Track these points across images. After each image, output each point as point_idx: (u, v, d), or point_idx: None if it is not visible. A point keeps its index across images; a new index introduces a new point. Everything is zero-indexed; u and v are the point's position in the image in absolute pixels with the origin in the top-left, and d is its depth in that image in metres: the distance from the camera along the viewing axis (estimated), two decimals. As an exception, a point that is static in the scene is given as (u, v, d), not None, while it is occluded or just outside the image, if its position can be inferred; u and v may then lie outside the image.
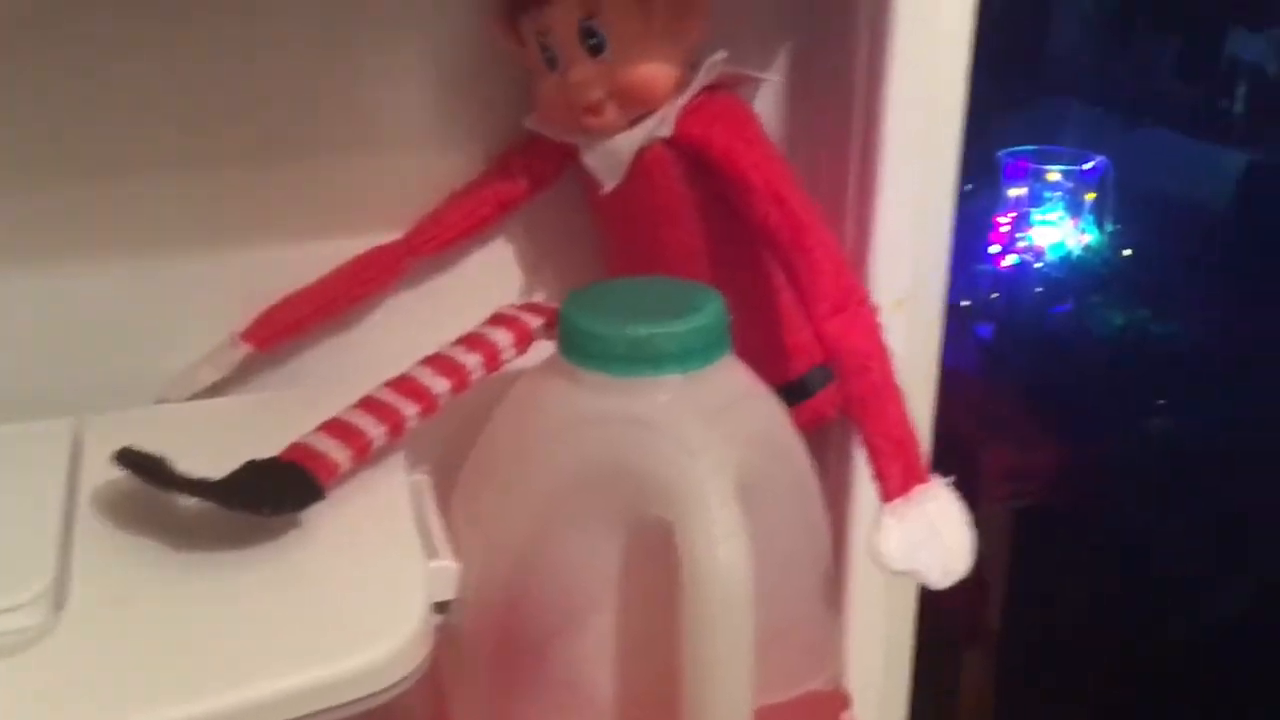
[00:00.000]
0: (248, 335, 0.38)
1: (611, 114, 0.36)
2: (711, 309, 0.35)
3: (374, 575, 0.34)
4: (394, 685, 0.32)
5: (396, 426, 0.35)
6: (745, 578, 0.32)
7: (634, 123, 0.37)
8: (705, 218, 0.38)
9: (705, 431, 0.34)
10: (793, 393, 0.41)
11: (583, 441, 0.34)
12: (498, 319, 0.37)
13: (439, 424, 0.41)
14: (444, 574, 0.36)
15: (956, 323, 1.63)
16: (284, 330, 0.38)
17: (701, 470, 0.33)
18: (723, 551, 0.32)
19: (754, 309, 0.40)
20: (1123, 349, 1.35)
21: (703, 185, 0.37)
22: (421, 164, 0.40)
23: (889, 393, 0.36)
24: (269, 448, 0.34)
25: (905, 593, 0.45)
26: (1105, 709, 1.36)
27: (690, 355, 0.34)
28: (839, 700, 0.41)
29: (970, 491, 1.31)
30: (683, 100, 0.36)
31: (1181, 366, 1.31)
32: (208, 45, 0.37)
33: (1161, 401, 1.31)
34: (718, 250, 0.39)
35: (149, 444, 0.33)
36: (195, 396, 0.38)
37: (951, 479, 0.37)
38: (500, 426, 0.37)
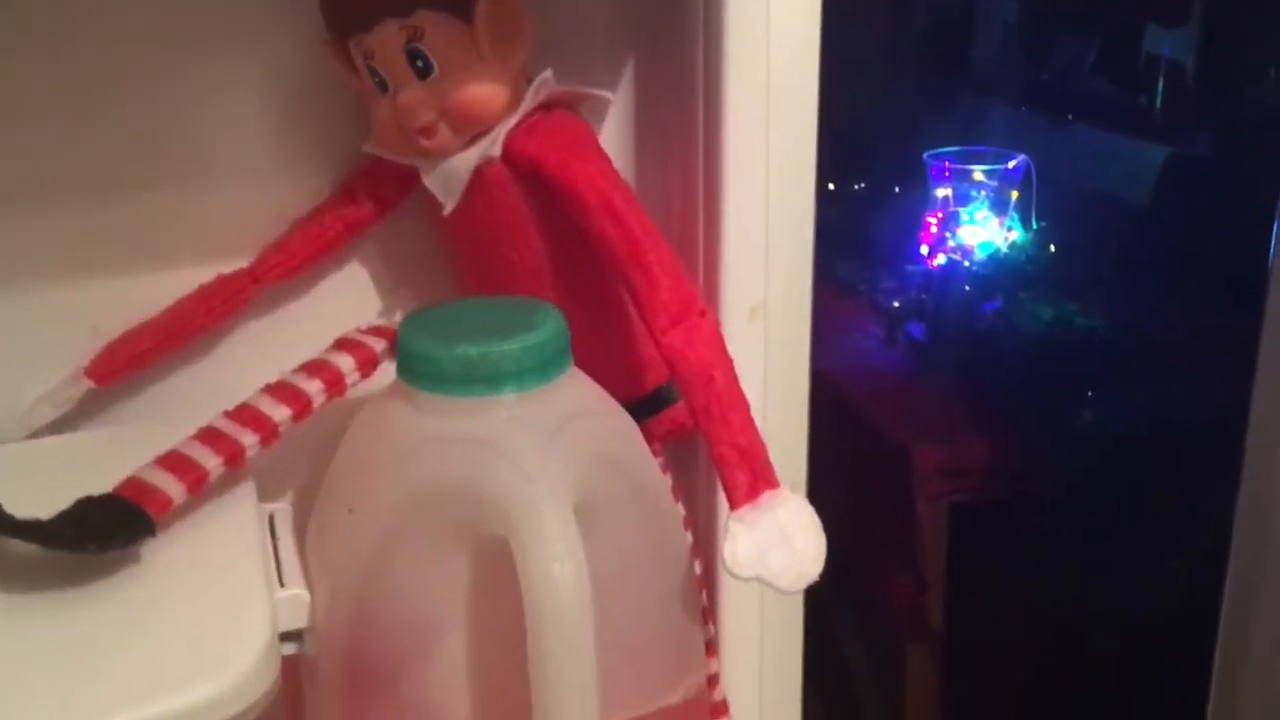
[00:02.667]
0: (90, 370, 0.38)
1: (444, 135, 0.36)
2: (548, 326, 0.35)
3: (216, 607, 0.34)
4: (240, 715, 0.32)
5: (234, 456, 0.34)
6: (582, 595, 0.32)
7: (470, 143, 0.37)
8: (549, 236, 0.38)
9: (543, 450, 0.34)
10: (648, 406, 0.41)
11: (421, 463, 0.34)
12: (341, 344, 0.37)
13: (303, 454, 0.41)
14: (293, 603, 0.36)
15: (888, 323, 1.64)
16: (126, 364, 0.38)
17: (537, 489, 0.33)
18: (558, 569, 0.32)
19: (605, 325, 0.40)
20: (1051, 343, 1.37)
21: (542, 203, 0.38)
22: (266, 192, 0.39)
23: (732, 401, 0.36)
24: (107, 484, 0.34)
25: (790, 599, 0.45)
26: (1049, 698, 1.37)
27: (526, 373, 0.34)
28: (706, 709, 0.41)
29: (905, 489, 1.33)
30: (514, 119, 0.36)
31: (1108, 359, 1.32)
32: (41, 78, 0.37)
33: (1090, 394, 1.33)
34: (565, 268, 0.39)
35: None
36: (38, 434, 0.38)
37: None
38: (345, 452, 0.37)
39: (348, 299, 0.41)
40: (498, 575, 0.34)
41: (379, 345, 0.37)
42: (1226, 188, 1.29)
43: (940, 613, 1.33)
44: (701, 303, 0.36)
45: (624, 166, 0.43)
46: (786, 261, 0.42)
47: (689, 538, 0.42)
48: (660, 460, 0.41)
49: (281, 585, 0.36)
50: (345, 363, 0.36)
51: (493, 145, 0.36)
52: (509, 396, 0.34)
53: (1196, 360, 1.29)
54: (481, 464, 0.33)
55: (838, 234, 1.48)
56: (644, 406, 0.41)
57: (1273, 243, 0.86)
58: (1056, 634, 1.35)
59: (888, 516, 1.34)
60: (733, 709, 0.43)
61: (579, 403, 0.36)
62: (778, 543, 0.36)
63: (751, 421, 0.36)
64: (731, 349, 0.37)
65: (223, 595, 0.34)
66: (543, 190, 0.37)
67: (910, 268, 1.47)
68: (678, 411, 0.41)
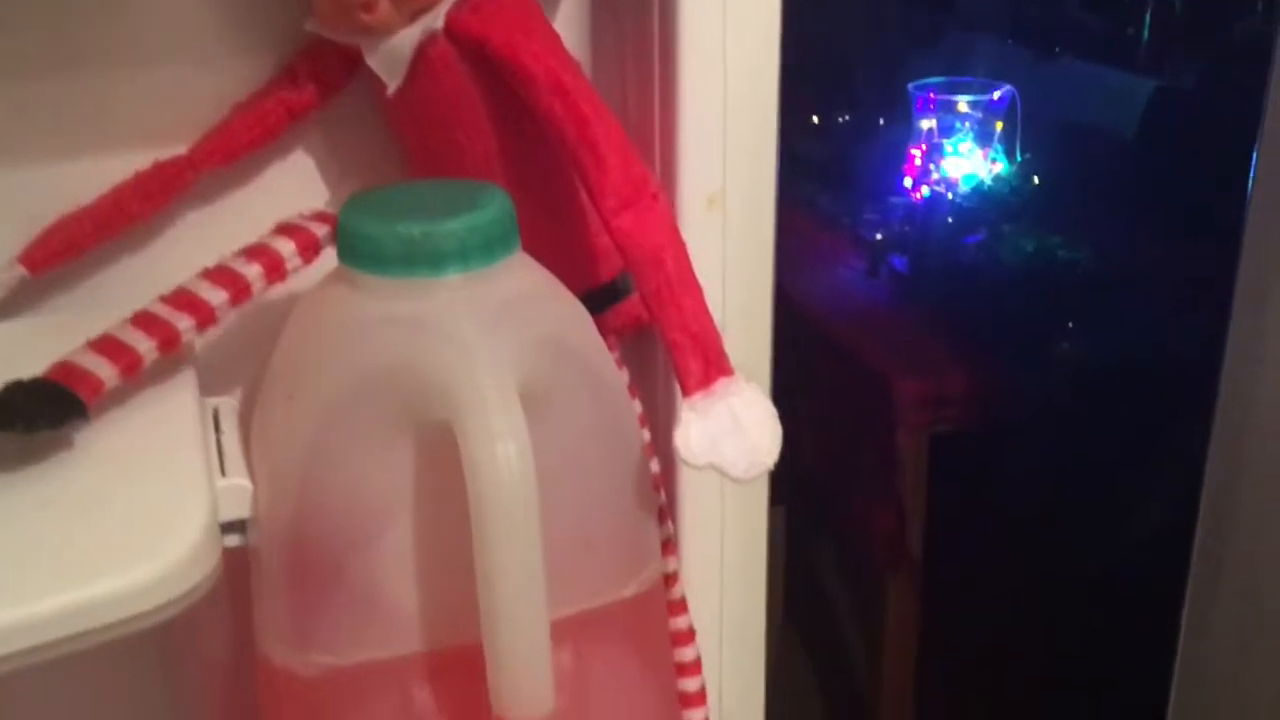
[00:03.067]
0: (24, 258, 0.37)
1: (385, 10, 0.35)
2: (494, 206, 0.34)
3: (153, 492, 0.33)
4: (172, 602, 0.32)
5: (168, 340, 0.33)
6: (526, 476, 0.31)
7: (412, 19, 0.35)
8: (499, 121, 0.37)
9: (487, 331, 0.33)
10: (603, 298, 0.40)
11: (362, 346, 0.33)
12: (281, 228, 0.36)
13: (250, 351, 0.40)
14: (235, 493, 0.35)
15: (870, 255, 1.63)
16: (61, 251, 0.37)
17: (480, 370, 0.32)
18: (500, 450, 0.31)
19: (558, 213, 0.39)
20: (1033, 276, 1.36)
21: (490, 86, 0.36)
22: (204, 75, 0.38)
23: (685, 285, 0.35)
24: (41, 371, 0.33)
25: (754, 493, 0.44)
26: (1027, 627, 1.38)
27: (470, 254, 0.33)
28: (661, 604, 0.41)
29: (886, 421, 1.32)
30: (458, -8, 0.35)
31: (1090, 291, 1.32)
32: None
33: (1070, 325, 1.33)
34: (515, 155, 0.38)
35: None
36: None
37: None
38: (286, 339, 0.36)
39: (291, 188, 0.40)
40: (442, 463, 0.33)
41: (321, 230, 0.36)
42: (1211, 121, 1.27)
43: (919, 544, 1.33)
44: (654, 185, 0.35)
45: (579, 52, 0.41)
46: (747, 150, 0.41)
47: (645, 435, 0.41)
48: (616, 355, 0.40)
49: (223, 475, 0.35)
50: (285, 247, 0.35)
51: (435, 19, 0.35)
52: (453, 278, 0.33)
53: (1177, 293, 1.28)
54: (423, 346, 0.32)
55: (821, 167, 1.46)
56: (598, 299, 0.40)
57: (1251, 176, 0.85)
58: (1034, 564, 1.36)
59: (868, 448, 1.34)
60: (692, 607, 0.43)
61: (526, 286, 0.35)
62: (731, 431, 0.35)
63: (705, 307, 0.35)
64: (689, 242, 0.36)
65: (160, 481, 0.33)
66: (490, 72, 0.36)
67: (893, 200, 1.46)
68: (633, 305, 0.40)
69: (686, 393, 0.35)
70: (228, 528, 0.35)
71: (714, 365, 0.35)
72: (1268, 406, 0.80)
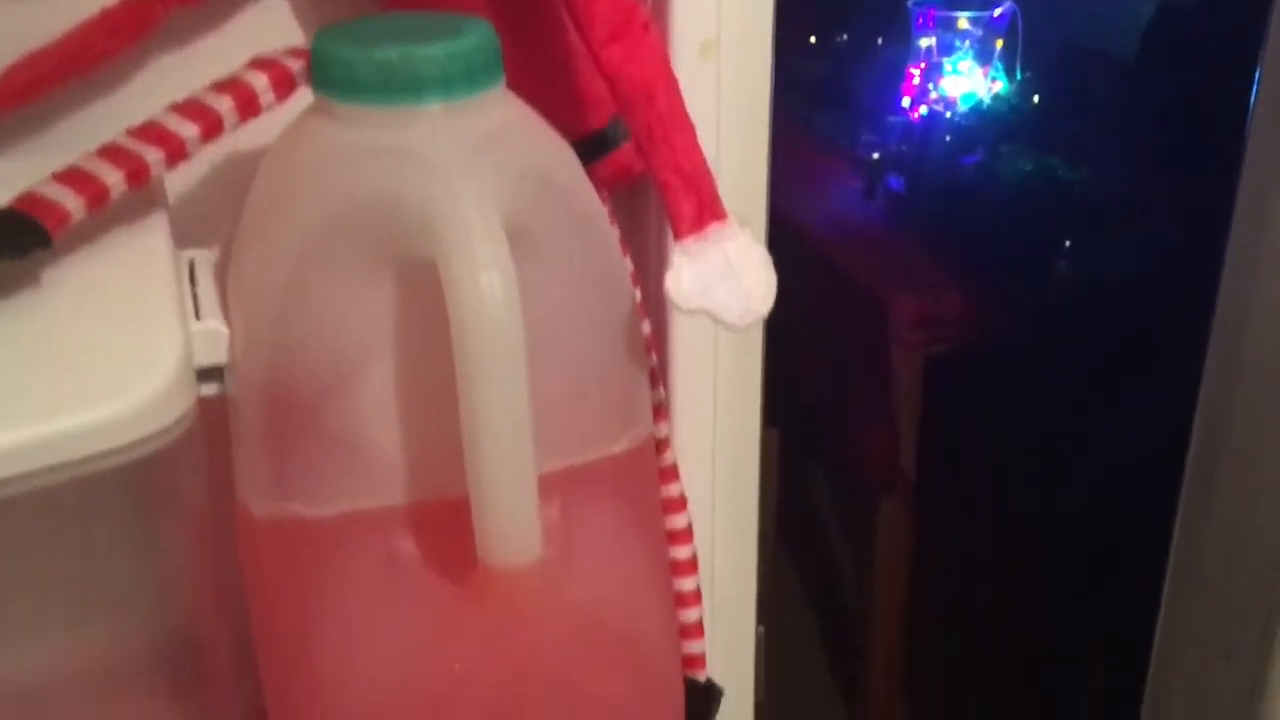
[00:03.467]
0: (-14, 95, 0.35)
1: None
2: (476, 34, 0.32)
3: (125, 331, 0.32)
4: (146, 439, 0.30)
5: (136, 173, 0.32)
6: (510, 307, 0.30)
7: None
8: (482, -48, 0.35)
9: (469, 162, 0.31)
10: (593, 146, 0.38)
11: (340, 178, 0.32)
12: (255, 62, 0.34)
13: (227, 204, 0.39)
14: (210, 337, 0.34)
15: (867, 175, 1.61)
16: (24, 89, 0.35)
17: (463, 199, 0.31)
18: (484, 279, 0.30)
19: (546, 55, 0.38)
20: (1031, 196, 1.34)
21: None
22: (173, -94, 0.36)
23: (676, 122, 0.33)
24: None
25: (747, 351, 0.43)
26: (1019, 549, 1.38)
27: (453, 82, 0.32)
28: (652, 465, 0.40)
29: (881, 341, 1.31)
30: None
31: (1088, 212, 1.30)
32: None
33: (1068, 246, 1.31)
34: (501, -10, 0.36)
35: None
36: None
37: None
38: (261, 175, 0.34)
39: (267, 29, 0.38)
40: (425, 305, 0.32)
41: (295, 65, 0.34)
42: (1214, 40, 1.25)
43: (913, 465, 1.33)
44: (645, 15, 0.34)
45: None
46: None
47: (637, 294, 0.40)
48: (607, 208, 0.39)
49: (198, 320, 0.34)
50: (258, 81, 0.34)
51: None
52: (434, 107, 0.32)
53: (1176, 213, 1.27)
54: (403, 175, 0.31)
55: (818, 87, 1.44)
56: (588, 148, 0.38)
57: (1252, 98, 0.83)
58: (1027, 485, 1.36)
59: (863, 368, 1.33)
60: (684, 473, 0.42)
61: (511, 119, 0.33)
62: (724, 276, 0.34)
63: (697, 147, 0.34)
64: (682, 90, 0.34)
65: (132, 321, 0.32)
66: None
67: (891, 119, 1.43)
68: (624, 154, 0.39)
69: (678, 235, 0.34)
70: (204, 375, 0.34)
71: (707, 208, 0.34)
72: (1264, 327, 0.79)
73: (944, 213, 1.38)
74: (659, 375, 0.42)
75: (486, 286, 0.30)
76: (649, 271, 0.42)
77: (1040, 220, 1.32)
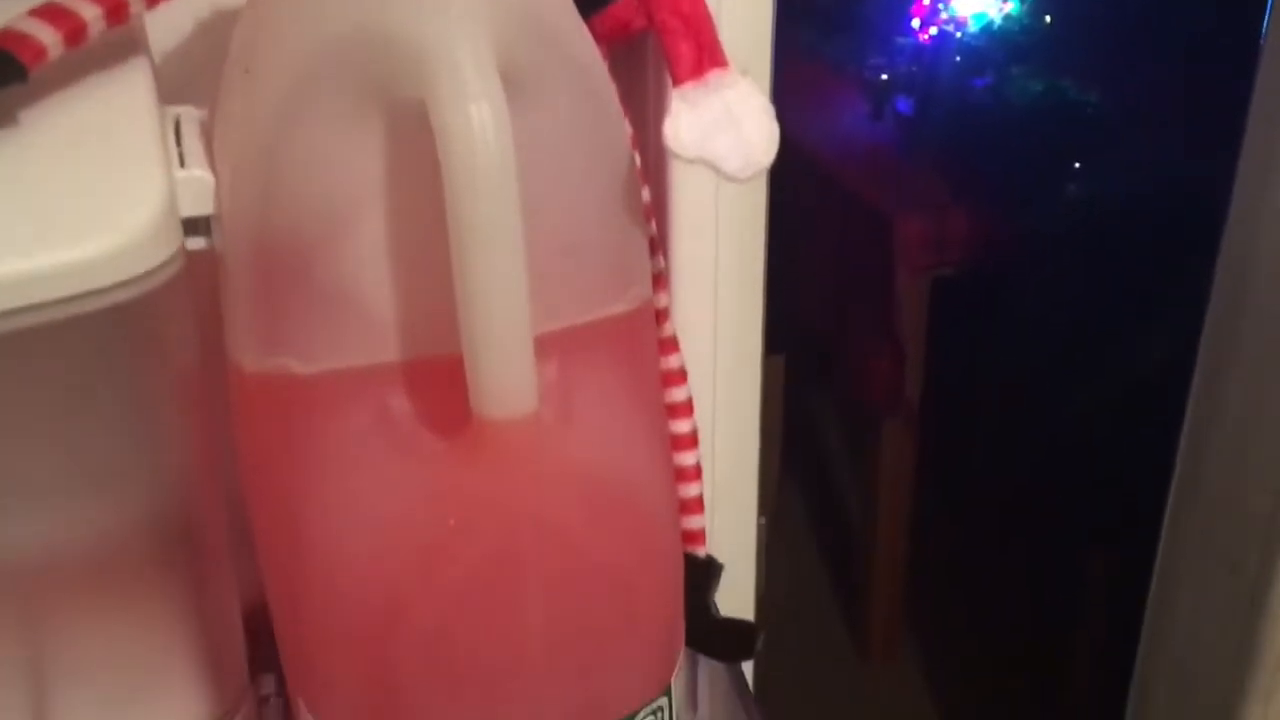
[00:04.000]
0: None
1: None
2: None
3: (106, 172, 0.31)
4: (129, 281, 0.30)
5: (116, 9, 0.31)
6: (503, 143, 0.29)
7: None
8: None
9: (460, -4, 0.30)
10: (590, -1, 0.37)
11: (325, 14, 0.31)
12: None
13: (216, 63, 0.38)
14: (195, 185, 0.33)
15: (875, 97, 1.59)
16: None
17: (454, 34, 0.29)
18: (475, 112, 0.29)
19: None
20: (1041, 117, 1.32)
21: None
22: None
23: (675, -38, 0.32)
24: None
25: (750, 203, 0.42)
26: (1022, 472, 1.38)
27: (444, -87, 0.30)
28: (651, 332, 0.39)
29: (888, 262, 1.30)
30: None
31: (1098, 132, 1.28)
32: None
33: (1077, 166, 1.29)
34: None
35: None
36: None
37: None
38: (247, 12, 0.33)
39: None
40: (415, 150, 0.31)
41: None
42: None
43: (917, 388, 1.33)
44: None
45: None
46: None
47: (637, 158, 0.39)
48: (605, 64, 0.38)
49: (183, 168, 0.33)
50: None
51: None
52: (423, -63, 0.30)
53: (1186, 137, 1.25)
54: (391, 9, 0.30)
55: (826, 7, 1.41)
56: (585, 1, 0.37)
57: (1266, 15, 0.81)
58: (1032, 408, 1.35)
59: (869, 291, 1.32)
60: (684, 344, 0.41)
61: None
62: (724, 125, 0.33)
63: (698, -11, 0.33)
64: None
65: (114, 163, 0.31)
66: None
67: (900, 40, 1.41)
68: (623, 8, 0.37)
69: (677, 81, 0.33)
70: (191, 227, 0.33)
71: (707, 53, 0.33)
72: (1273, 246, 0.78)
73: (952, 135, 1.37)
74: (659, 244, 0.41)
75: (477, 120, 0.29)
76: (648, 141, 0.41)
77: (1050, 142, 1.30)
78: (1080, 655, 1.27)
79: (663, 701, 0.38)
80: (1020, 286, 1.32)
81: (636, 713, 0.38)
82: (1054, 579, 1.33)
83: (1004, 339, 1.34)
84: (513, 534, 0.33)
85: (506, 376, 0.32)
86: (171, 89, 0.36)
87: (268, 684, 0.42)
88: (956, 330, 1.33)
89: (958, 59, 1.40)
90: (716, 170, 0.33)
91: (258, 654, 0.43)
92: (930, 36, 1.40)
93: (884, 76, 1.43)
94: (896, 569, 1.37)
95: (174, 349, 0.37)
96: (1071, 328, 1.29)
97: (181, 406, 0.37)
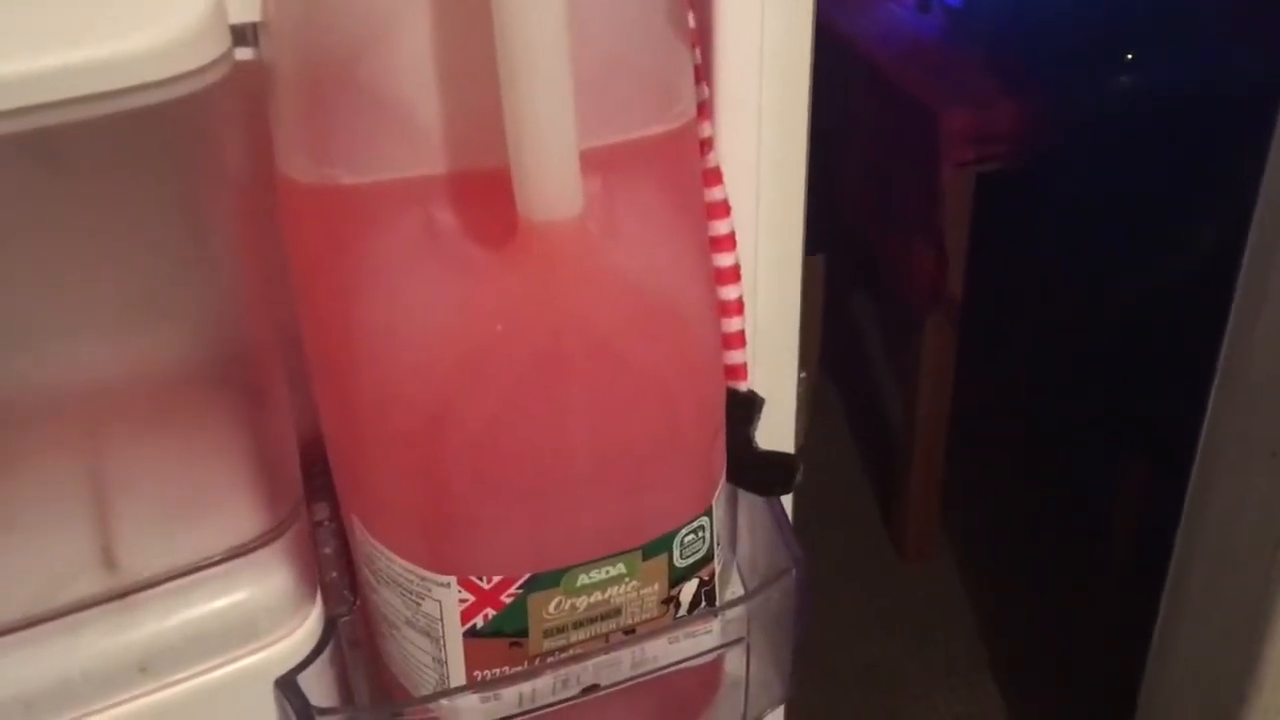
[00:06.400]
0: None
1: None
2: None
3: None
4: (178, 78, 0.30)
5: None
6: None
7: None
8: None
9: None
10: None
11: None
12: None
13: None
14: (243, -9, 0.33)
15: (919, -11, 1.51)
16: None
17: None
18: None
19: None
20: (1091, 7, 1.29)
21: None
22: None
23: None
24: None
25: (795, 40, 0.41)
26: (1064, 371, 1.37)
27: None
28: (694, 146, 0.39)
29: (932, 155, 1.27)
30: None
31: (1150, 24, 1.25)
32: None
33: (1129, 58, 1.26)
34: None
35: None
36: None
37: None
38: None
39: None
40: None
41: None
42: None
43: (960, 284, 1.31)
44: None
45: None
46: None
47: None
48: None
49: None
50: None
51: None
52: None
53: (1237, 26, 1.21)
54: None
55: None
56: None
57: None
58: (1076, 306, 1.34)
59: (912, 185, 1.31)
60: (727, 175, 0.41)
61: None
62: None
63: None
64: None
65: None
66: None
67: (948, -68, 1.38)
68: None
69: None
70: (239, 36, 0.34)
71: None
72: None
73: (999, 27, 1.34)
74: (703, 73, 0.41)
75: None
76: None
77: (1098, 34, 1.27)
78: (1120, 553, 1.27)
79: (704, 521, 0.39)
80: (1065, 183, 1.30)
81: (679, 530, 0.38)
82: (1093, 480, 1.33)
83: (1047, 237, 1.32)
84: (558, 339, 0.34)
85: (552, 177, 0.32)
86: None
87: (321, 511, 0.44)
88: (1000, 228, 1.31)
89: (1007, -51, 1.37)
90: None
91: (312, 487, 0.44)
92: (979, -73, 1.36)
93: (930, -31, 1.39)
94: (934, 468, 1.38)
95: (225, 165, 0.37)
96: (1116, 226, 1.27)
97: (235, 225, 0.38)
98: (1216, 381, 0.89)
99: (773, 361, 0.49)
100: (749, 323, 0.43)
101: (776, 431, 0.49)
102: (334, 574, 0.41)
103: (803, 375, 0.54)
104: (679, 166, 0.38)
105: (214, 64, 0.31)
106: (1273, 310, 0.82)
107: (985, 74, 1.31)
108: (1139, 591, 1.03)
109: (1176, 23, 1.25)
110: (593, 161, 0.34)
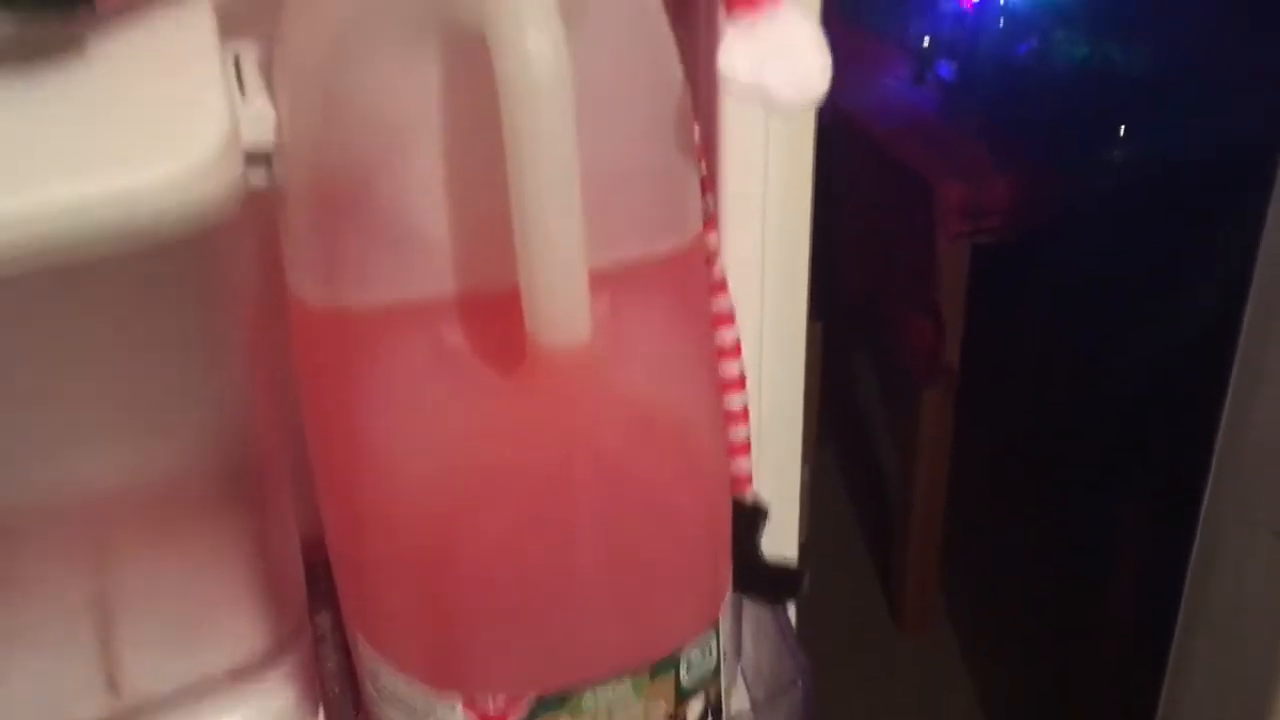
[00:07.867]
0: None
1: None
2: None
3: (170, 102, 0.31)
4: (192, 205, 0.30)
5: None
6: (560, 65, 0.29)
7: None
8: None
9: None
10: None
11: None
12: None
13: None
14: (256, 116, 0.34)
15: (917, 62, 1.57)
16: None
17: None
18: (532, 37, 0.29)
19: None
20: (1085, 81, 1.31)
21: None
22: None
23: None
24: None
25: (796, 154, 0.41)
26: (1062, 442, 1.37)
27: None
28: (701, 263, 0.39)
29: (928, 228, 1.29)
30: None
31: (1142, 99, 1.27)
32: None
33: (1122, 133, 1.28)
34: None
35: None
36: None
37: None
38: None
39: None
40: (473, 81, 0.31)
41: None
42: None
43: (957, 355, 1.32)
44: None
45: None
46: None
47: (689, 97, 0.39)
48: None
49: (243, 98, 0.34)
50: None
51: None
52: None
53: (1232, 102, 1.23)
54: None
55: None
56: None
57: None
58: (1072, 378, 1.34)
59: (909, 257, 1.32)
60: (733, 286, 0.41)
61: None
62: (778, 54, 0.33)
63: (752, -81, 0.33)
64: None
65: (177, 91, 0.32)
66: None
67: (943, 4, 1.40)
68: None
69: (730, 9, 0.33)
70: (252, 161, 0.34)
71: (761, -15, 0.33)
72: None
73: (994, 100, 1.35)
74: (710, 185, 0.41)
75: (534, 45, 0.29)
76: (698, 80, 0.41)
77: (1093, 109, 1.29)
78: (1119, 626, 1.26)
79: (711, 636, 0.39)
80: (1061, 255, 1.31)
81: (686, 647, 0.38)
82: (1092, 551, 1.32)
83: (1043, 309, 1.33)
84: (566, 464, 0.34)
85: (562, 301, 0.32)
86: (230, 27, 0.37)
87: (324, 621, 0.43)
88: (996, 299, 1.32)
89: (1001, 23, 1.39)
90: (770, 101, 0.33)
91: (316, 593, 0.43)
92: (973, 1, 1.38)
93: (926, 41, 1.41)
94: (933, 538, 1.37)
95: (237, 287, 0.37)
96: (1112, 298, 1.28)
97: (244, 344, 0.38)
98: (1215, 461, 0.89)
99: (778, 458, 0.49)
100: (752, 414, 0.43)
101: (780, 527, 0.49)
102: (337, 690, 0.40)
103: (806, 468, 0.54)
104: (687, 280, 0.38)
105: (228, 192, 0.31)
106: (1271, 391, 0.82)
107: (980, 147, 1.32)
108: (1141, 664, 1.02)
109: (1169, 96, 1.27)
110: (602, 281, 0.34)
